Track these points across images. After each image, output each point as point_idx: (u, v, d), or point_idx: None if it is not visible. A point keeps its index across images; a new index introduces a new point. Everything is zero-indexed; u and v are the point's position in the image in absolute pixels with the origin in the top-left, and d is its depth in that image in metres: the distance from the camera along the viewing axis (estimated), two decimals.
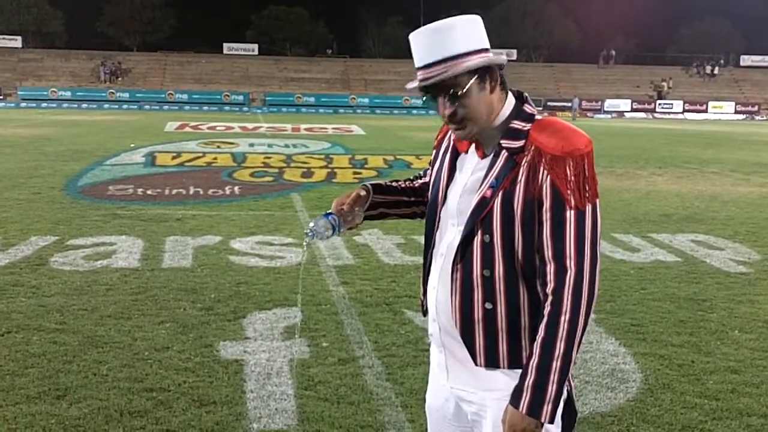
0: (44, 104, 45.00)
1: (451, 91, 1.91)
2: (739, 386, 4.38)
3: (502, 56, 1.97)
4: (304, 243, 2.21)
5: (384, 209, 2.30)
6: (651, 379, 4.46)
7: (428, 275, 2.14)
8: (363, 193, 2.23)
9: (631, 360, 4.78)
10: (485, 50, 1.94)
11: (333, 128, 29.09)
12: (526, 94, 2.03)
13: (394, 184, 2.34)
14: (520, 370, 1.95)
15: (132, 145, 19.03)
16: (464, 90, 1.90)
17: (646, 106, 52.74)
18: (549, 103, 48.83)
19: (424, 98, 1.99)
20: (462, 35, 1.91)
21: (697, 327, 5.47)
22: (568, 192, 1.88)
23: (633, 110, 51.59)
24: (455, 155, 2.10)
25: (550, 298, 1.90)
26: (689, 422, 3.90)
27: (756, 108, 53.67)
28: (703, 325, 5.52)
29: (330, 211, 2.19)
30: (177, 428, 3.72)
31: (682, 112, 52.15)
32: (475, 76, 1.91)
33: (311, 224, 2.15)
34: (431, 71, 1.91)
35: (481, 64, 1.91)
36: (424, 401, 2.25)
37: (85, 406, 3.94)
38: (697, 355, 4.89)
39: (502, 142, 1.96)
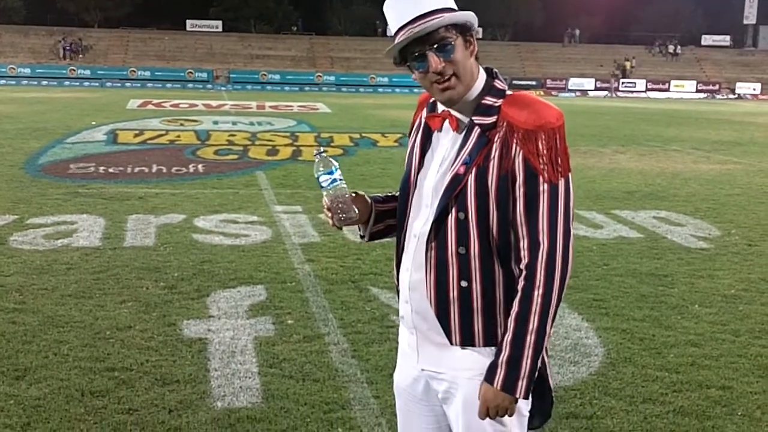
0: (2, 81, 43.82)
1: (443, 43, 1.91)
2: (698, 359, 4.46)
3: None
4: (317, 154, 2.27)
5: (390, 220, 2.21)
6: (613, 353, 4.52)
7: (401, 258, 2.11)
8: (363, 194, 2.20)
9: (593, 334, 4.84)
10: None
11: (298, 106, 28.83)
12: (495, 70, 2.03)
13: (392, 193, 2.26)
14: (491, 348, 1.96)
15: (93, 123, 18.67)
16: (453, 43, 1.91)
17: (610, 84, 53.13)
18: (515, 82, 48.90)
19: (414, 57, 1.93)
20: None
21: (659, 302, 5.55)
22: (541, 166, 1.88)
23: (596, 89, 51.95)
24: (427, 134, 2.08)
25: (524, 272, 1.91)
26: (650, 395, 3.96)
27: (716, 87, 54.34)
28: (665, 299, 5.61)
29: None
30: (139, 407, 3.68)
31: (645, 91, 52.62)
32: (460, 34, 1.93)
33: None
34: (420, 23, 1.90)
35: (464, 20, 1.93)
36: (391, 377, 2.24)
37: (45, 386, 3.88)
38: (658, 329, 4.97)
39: (474, 118, 1.96)
